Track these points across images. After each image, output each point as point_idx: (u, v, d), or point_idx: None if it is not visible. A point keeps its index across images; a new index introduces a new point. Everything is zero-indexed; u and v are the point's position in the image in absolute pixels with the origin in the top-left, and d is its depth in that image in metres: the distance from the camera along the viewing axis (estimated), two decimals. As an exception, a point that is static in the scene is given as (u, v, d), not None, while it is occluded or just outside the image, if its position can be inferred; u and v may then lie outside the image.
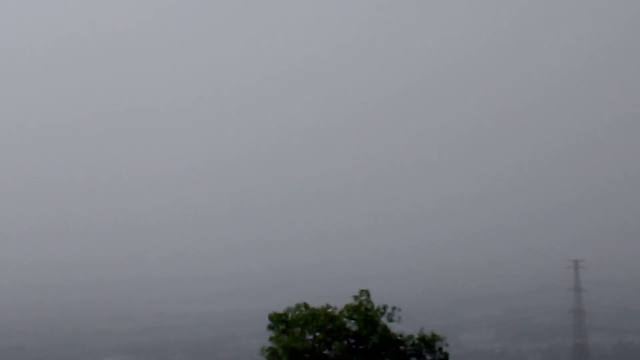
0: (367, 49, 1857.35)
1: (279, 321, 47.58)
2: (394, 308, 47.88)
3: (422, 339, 47.52)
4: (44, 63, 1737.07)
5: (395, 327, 47.74)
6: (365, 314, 47.05)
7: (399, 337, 47.17)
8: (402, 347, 47.02)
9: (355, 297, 47.95)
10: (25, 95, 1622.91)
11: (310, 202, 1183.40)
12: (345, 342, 46.49)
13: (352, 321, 47.16)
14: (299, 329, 46.69)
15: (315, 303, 48.98)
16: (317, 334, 46.60)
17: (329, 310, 47.38)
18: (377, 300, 48.45)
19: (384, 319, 47.35)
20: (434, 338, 47.68)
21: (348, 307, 47.54)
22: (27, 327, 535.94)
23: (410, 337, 47.55)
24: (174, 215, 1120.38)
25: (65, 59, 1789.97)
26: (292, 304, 48.24)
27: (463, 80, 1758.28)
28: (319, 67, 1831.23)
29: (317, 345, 46.11)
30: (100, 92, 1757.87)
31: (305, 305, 47.83)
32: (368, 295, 47.99)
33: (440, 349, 47.59)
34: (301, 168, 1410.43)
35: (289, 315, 47.62)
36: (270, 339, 47.03)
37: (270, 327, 47.71)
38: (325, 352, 46.35)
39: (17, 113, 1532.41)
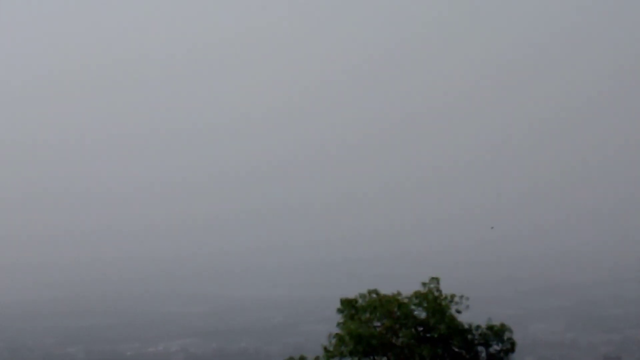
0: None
1: (348, 306, 47.79)
2: (462, 297, 47.73)
3: (490, 328, 47.30)
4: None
5: (462, 316, 47.60)
6: (434, 302, 46.99)
7: (467, 327, 47.01)
8: (469, 336, 46.86)
9: (424, 285, 47.89)
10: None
11: (389, 195, 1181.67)
12: (413, 330, 46.49)
13: (420, 309, 47.12)
14: (367, 315, 46.85)
15: (388, 292, 49.06)
16: (385, 321, 46.68)
17: (399, 297, 47.43)
18: (447, 290, 48.38)
19: (451, 308, 47.24)
20: (502, 328, 47.42)
21: (416, 295, 47.53)
22: (98, 307, 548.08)
23: (478, 326, 47.37)
24: (255, 208, 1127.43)
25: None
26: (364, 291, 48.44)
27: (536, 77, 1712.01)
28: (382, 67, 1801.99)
29: (384, 332, 46.19)
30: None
31: (376, 292, 47.95)
32: (437, 283, 47.89)
33: (508, 338, 47.31)
34: (387, 160, 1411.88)
35: (359, 301, 47.81)
36: (338, 324, 47.27)
37: (340, 311, 47.96)
38: (392, 339, 46.40)
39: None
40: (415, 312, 46.91)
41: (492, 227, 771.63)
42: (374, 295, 47.67)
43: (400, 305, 46.86)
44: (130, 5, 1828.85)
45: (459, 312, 47.22)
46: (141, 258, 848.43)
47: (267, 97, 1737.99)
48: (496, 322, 47.81)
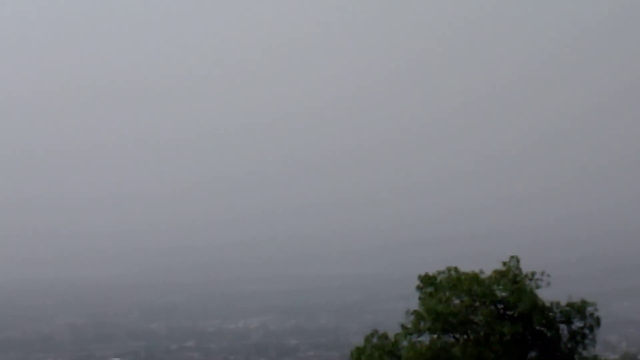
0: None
1: (428, 283, 47.57)
2: (542, 273, 47.01)
3: (572, 305, 46.55)
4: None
5: (543, 295, 46.94)
6: (514, 280, 46.46)
7: (548, 304, 46.36)
8: (550, 314, 46.20)
9: (504, 263, 47.35)
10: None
11: (467, 176, 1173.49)
12: (492, 308, 46.05)
13: (500, 287, 46.62)
14: (446, 293, 46.56)
15: (467, 266, 48.70)
16: (464, 298, 46.34)
17: (478, 275, 47.00)
18: (527, 269, 47.78)
19: (532, 285, 46.62)
20: (584, 304, 46.60)
21: (496, 273, 47.03)
22: (179, 287, 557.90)
23: (559, 304, 46.66)
24: (338, 196, 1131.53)
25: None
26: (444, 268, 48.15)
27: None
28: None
29: (463, 310, 45.86)
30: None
31: (455, 269, 47.57)
32: (517, 261, 47.29)
33: (591, 314, 46.48)
34: (456, 143, 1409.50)
35: (439, 278, 47.53)
36: (418, 299, 47.11)
37: (419, 288, 47.77)
38: (472, 317, 46.06)
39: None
40: (496, 291, 46.45)
41: None
42: (453, 273, 47.32)
43: (480, 283, 46.45)
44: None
45: (538, 287, 46.58)
46: (230, 243, 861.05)
47: (333, 92, 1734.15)
48: (577, 300, 47.09)
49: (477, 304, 45.94)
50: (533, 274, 46.86)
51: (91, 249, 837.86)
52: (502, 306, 46.14)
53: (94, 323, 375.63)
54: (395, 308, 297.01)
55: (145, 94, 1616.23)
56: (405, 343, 46.07)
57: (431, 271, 48.34)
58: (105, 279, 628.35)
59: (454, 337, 46.03)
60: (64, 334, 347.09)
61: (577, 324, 46.33)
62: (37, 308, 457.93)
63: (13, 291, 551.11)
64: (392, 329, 47.88)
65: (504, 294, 46.25)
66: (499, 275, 46.63)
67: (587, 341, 46.55)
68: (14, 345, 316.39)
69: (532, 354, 46.13)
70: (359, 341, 48.29)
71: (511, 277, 46.39)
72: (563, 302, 46.80)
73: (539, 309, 45.62)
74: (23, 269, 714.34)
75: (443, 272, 47.52)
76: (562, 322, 46.30)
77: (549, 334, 46.03)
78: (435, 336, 45.78)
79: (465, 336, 45.91)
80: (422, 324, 45.55)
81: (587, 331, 46.43)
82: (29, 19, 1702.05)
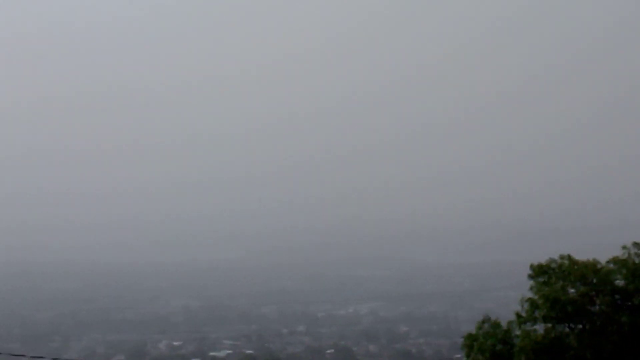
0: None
1: (540, 272, 46.18)
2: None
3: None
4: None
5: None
6: (634, 268, 44.56)
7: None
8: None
9: (624, 248, 45.46)
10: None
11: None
12: (610, 297, 44.35)
13: (618, 276, 44.87)
14: (560, 282, 45.12)
15: (578, 256, 47.09)
16: (580, 287, 44.79)
17: (594, 263, 45.35)
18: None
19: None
20: None
21: (615, 260, 45.23)
22: (290, 271, 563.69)
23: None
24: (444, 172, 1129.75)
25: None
26: (555, 256, 46.67)
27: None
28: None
29: (579, 298, 44.33)
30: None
31: (569, 257, 46.04)
32: (638, 248, 45.34)
33: None
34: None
35: (551, 266, 46.12)
36: (531, 288, 45.81)
37: (531, 277, 46.46)
38: (589, 306, 44.51)
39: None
40: (614, 279, 44.71)
41: None
42: (566, 262, 45.81)
43: (597, 271, 44.82)
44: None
45: None
46: (338, 224, 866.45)
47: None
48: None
49: (594, 293, 44.34)
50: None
51: (204, 233, 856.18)
52: (619, 296, 44.42)
53: (207, 306, 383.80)
54: (506, 296, 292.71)
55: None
56: (517, 331, 44.99)
57: (544, 259, 47.00)
58: (218, 263, 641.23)
59: (569, 326, 44.56)
60: (178, 316, 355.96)
61: None
62: (153, 290, 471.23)
63: (131, 274, 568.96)
64: (504, 318, 46.82)
65: (622, 283, 44.52)
66: (618, 263, 44.87)
67: None
68: (130, 325, 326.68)
69: (652, 345, 44.23)
70: (470, 329, 47.42)
71: (631, 264, 44.51)
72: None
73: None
74: (140, 252, 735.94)
75: (555, 261, 46.10)
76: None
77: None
78: (550, 325, 44.49)
79: (581, 326, 44.42)
80: (536, 312, 44.31)
81: None
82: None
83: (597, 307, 44.22)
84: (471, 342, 45.51)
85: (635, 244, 45.22)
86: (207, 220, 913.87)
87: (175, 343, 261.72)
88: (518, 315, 44.90)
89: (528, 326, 44.69)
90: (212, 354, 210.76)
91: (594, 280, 44.51)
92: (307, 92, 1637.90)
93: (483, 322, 46.09)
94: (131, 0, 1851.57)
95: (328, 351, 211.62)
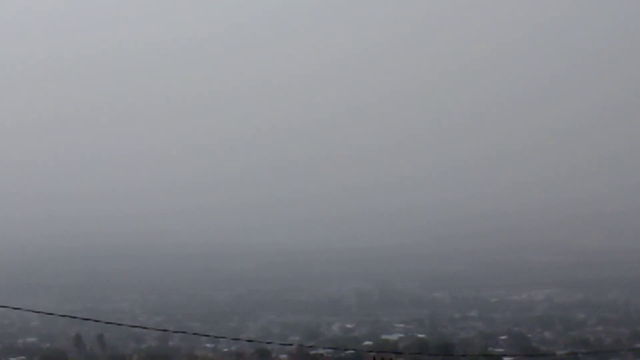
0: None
1: None
2: None
3: None
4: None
5: None
6: None
7: None
8: None
9: None
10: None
11: None
12: None
13: None
14: None
15: None
16: None
17: None
18: None
19: None
20: None
21: None
22: (462, 255, 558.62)
23: None
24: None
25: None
26: None
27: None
28: None
29: None
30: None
31: None
32: None
33: None
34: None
35: None
36: None
37: None
38: None
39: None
40: None
41: None
42: None
43: None
44: None
45: None
46: (502, 213, 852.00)
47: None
48: None
49: None
50: None
51: (377, 218, 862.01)
52: None
53: (380, 290, 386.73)
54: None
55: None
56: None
57: None
58: (391, 248, 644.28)
59: None
60: (351, 299, 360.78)
61: None
62: (327, 274, 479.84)
63: (305, 257, 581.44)
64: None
65: None
66: None
67: None
68: (306, 307, 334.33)
69: None
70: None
71: None
72: None
73: None
74: (312, 235, 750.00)
75: None
76: None
77: None
78: None
79: None
80: None
81: None
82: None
83: None
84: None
85: None
86: (382, 207, 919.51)
87: (348, 325, 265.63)
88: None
89: None
90: (384, 337, 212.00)
91: None
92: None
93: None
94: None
95: (501, 337, 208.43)
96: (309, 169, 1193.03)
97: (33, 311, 44.17)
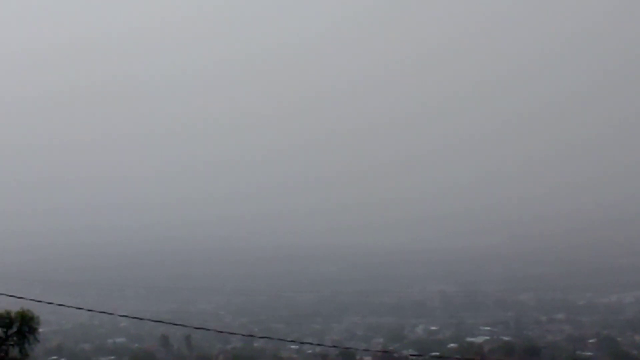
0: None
1: None
2: None
3: None
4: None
5: None
6: None
7: None
8: None
9: None
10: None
11: None
12: None
13: None
14: None
15: None
16: None
17: None
18: None
19: None
20: None
21: None
22: (547, 257, 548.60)
23: None
24: None
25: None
26: None
27: None
28: None
29: None
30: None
31: None
32: None
33: None
34: None
35: None
36: None
37: None
38: None
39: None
40: None
41: None
42: None
43: None
44: None
45: None
46: (590, 210, 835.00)
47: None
48: None
49: None
50: None
51: (461, 219, 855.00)
52: None
53: (464, 292, 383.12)
54: None
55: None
56: None
57: None
58: (474, 249, 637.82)
59: None
60: (435, 301, 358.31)
61: None
62: (410, 275, 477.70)
63: (388, 258, 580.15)
64: None
65: None
66: None
67: None
68: (389, 309, 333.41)
69: None
70: None
71: None
72: None
73: None
74: (393, 237, 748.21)
75: None
76: None
77: None
78: None
79: None
80: None
81: None
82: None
83: None
84: None
85: None
86: (464, 207, 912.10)
87: (432, 327, 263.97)
88: None
89: None
90: (469, 339, 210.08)
91: None
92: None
93: None
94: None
95: (590, 340, 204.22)
96: (391, 170, 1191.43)
97: (127, 316, 45.26)
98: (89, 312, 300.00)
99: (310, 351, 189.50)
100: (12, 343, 57.48)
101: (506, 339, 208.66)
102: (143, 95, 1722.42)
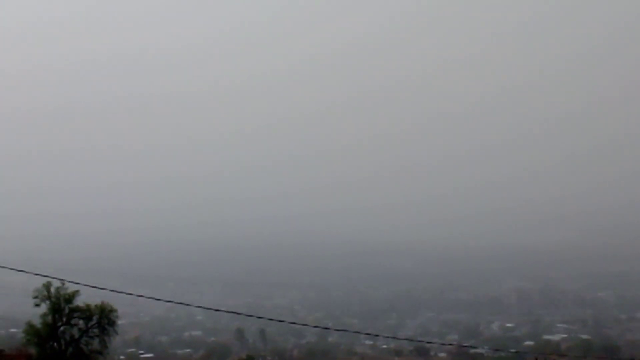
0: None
1: None
2: None
3: None
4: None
5: None
6: None
7: None
8: None
9: None
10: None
11: None
12: None
13: None
14: None
15: None
16: None
17: None
18: None
19: None
20: None
21: None
22: (629, 254, 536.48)
23: None
24: None
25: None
26: None
27: None
28: None
29: None
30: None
31: None
32: None
33: None
34: None
35: None
36: None
37: None
38: None
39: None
40: None
41: None
42: None
43: None
44: None
45: None
46: None
47: None
48: None
49: None
50: None
51: (537, 214, 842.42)
52: None
53: (541, 289, 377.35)
54: None
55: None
56: None
57: None
58: (551, 245, 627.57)
59: None
60: (511, 298, 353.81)
61: None
62: (485, 272, 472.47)
63: (463, 254, 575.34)
64: None
65: None
66: None
67: None
68: (464, 306, 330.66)
69: None
70: None
71: None
72: None
73: None
74: (465, 232, 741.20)
75: None
76: None
77: None
78: None
79: None
80: None
81: None
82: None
83: None
84: None
85: None
86: (534, 201, 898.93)
87: (508, 325, 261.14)
88: None
89: None
90: (545, 337, 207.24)
91: None
92: None
93: None
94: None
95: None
96: (464, 162, 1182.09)
97: (203, 307, 45.86)
98: (166, 306, 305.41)
99: (384, 346, 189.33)
100: (92, 335, 59.01)
101: (584, 337, 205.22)
102: (216, 104, 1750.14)
